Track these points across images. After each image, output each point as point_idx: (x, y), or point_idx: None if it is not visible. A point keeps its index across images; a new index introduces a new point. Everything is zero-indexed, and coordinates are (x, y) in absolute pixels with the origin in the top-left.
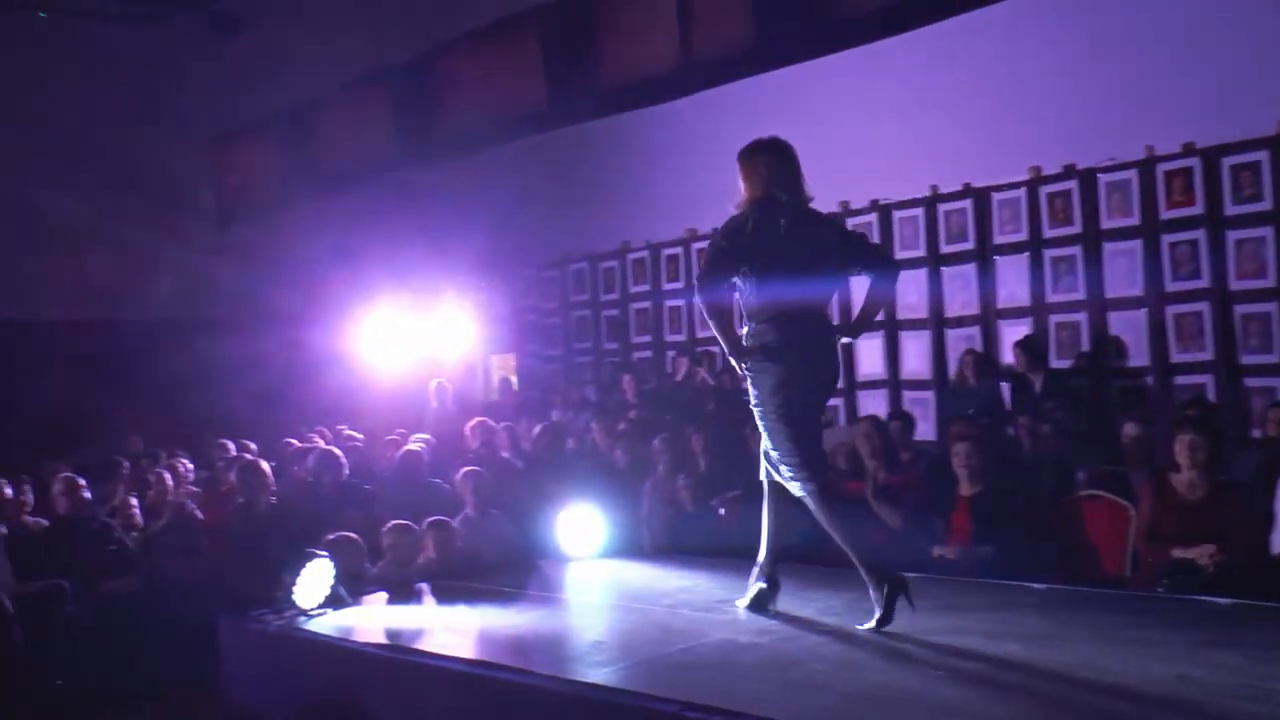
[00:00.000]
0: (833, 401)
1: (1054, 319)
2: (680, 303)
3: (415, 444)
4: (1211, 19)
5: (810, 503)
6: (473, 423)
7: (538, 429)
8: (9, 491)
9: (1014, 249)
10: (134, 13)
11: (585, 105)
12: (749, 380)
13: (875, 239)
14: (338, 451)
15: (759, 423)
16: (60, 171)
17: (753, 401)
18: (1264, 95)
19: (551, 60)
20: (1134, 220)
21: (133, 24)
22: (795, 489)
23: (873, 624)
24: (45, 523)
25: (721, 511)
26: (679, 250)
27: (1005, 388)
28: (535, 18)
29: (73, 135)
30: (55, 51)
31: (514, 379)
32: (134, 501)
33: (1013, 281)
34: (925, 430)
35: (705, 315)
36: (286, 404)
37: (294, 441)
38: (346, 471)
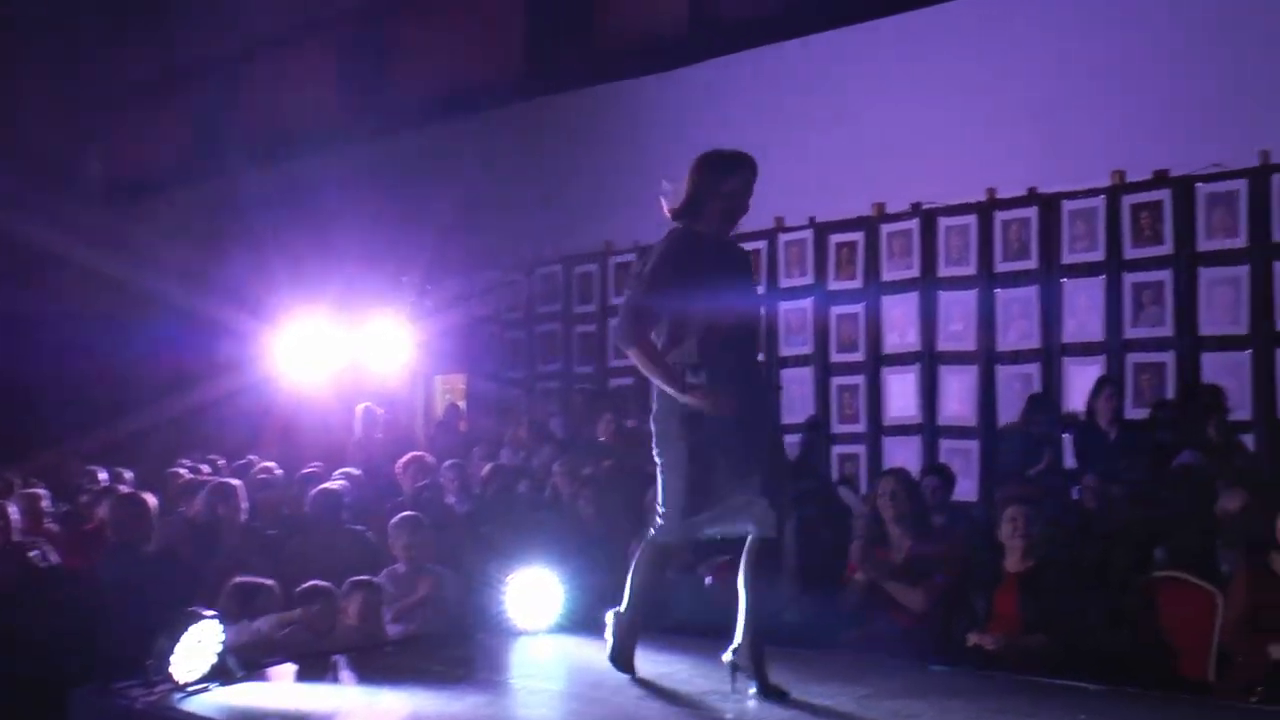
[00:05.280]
0: (854, 449)
1: (1133, 358)
2: None
3: (334, 482)
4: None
5: (645, 546)
6: (406, 459)
7: (486, 469)
8: None
9: (1087, 270)
10: None
11: (574, 71)
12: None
13: (916, 248)
14: (237, 485)
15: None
16: None
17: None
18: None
19: (537, 13)
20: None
21: None
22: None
23: None
24: None
25: (709, 580)
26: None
27: (1067, 439)
28: None
29: None
30: None
31: (464, 404)
32: None
33: (1084, 310)
34: (967, 489)
35: None
36: (178, 426)
37: (182, 472)
38: (246, 511)
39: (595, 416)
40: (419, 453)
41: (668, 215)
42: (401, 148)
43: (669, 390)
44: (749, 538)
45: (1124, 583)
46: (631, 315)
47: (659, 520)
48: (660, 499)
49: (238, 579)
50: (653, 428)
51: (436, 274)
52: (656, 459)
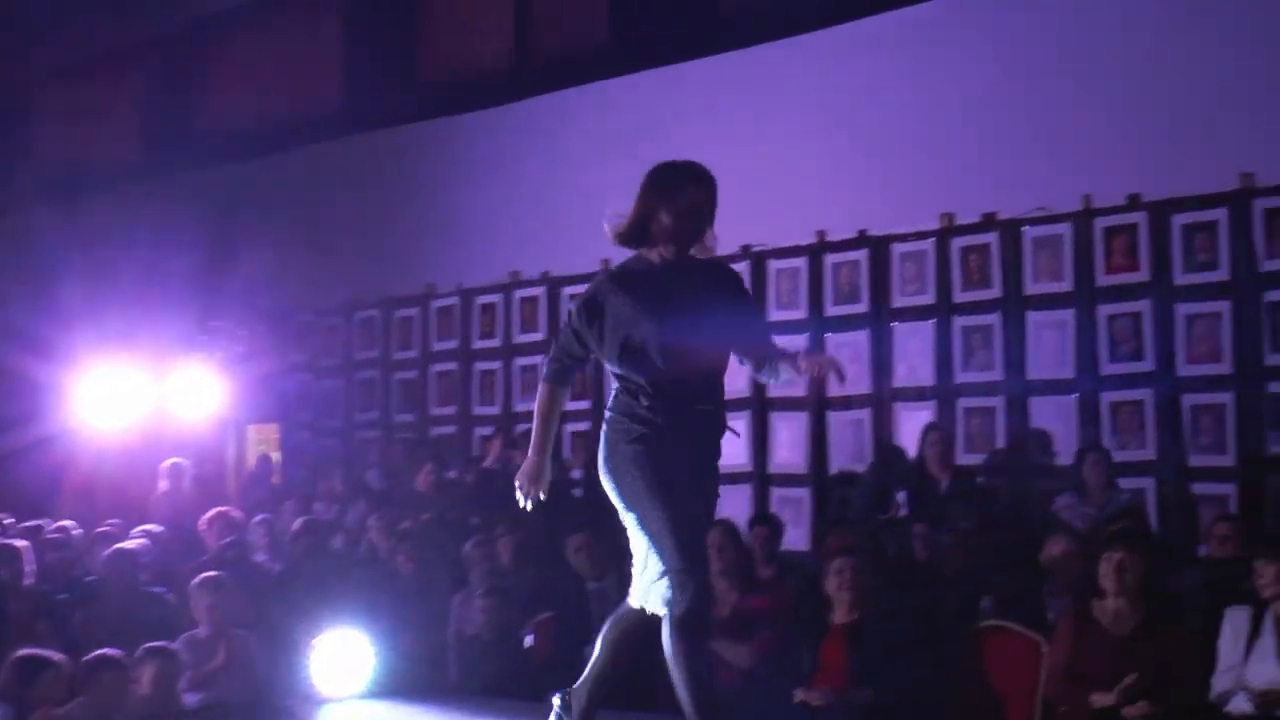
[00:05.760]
0: None
1: (963, 403)
2: (496, 365)
3: (132, 540)
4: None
5: (667, 623)
6: (210, 514)
7: (297, 524)
8: None
9: (917, 313)
10: None
11: (395, 107)
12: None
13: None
14: (21, 547)
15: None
16: None
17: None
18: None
19: (357, 45)
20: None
21: None
22: (653, 597)
23: None
24: None
25: (529, 640)
26: (498, 298)
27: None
28: None
29: None
30: None
31: (277, 456)
32: None
33: (915, 354)
34: (797, 538)
35: None
36: None
37: None
38: (34, 575)
39: (415, 467)
40: (225, 508)
41: (614, 243)
42: (212, 184)
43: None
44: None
45: (951, 633)
46: (552, 354)
47: (662, 583)
48: (647, 555)
49: (20, 652)
50: (603, 471)
51: (249, 318)
52: (618, 503)
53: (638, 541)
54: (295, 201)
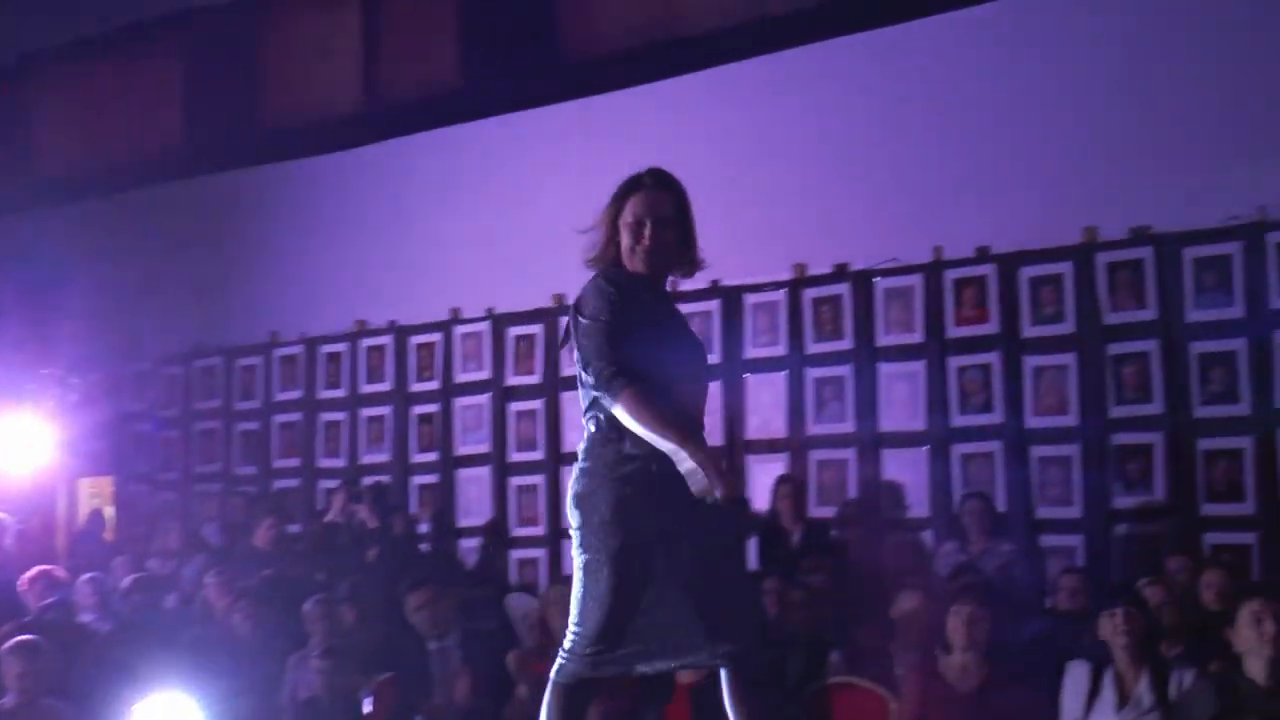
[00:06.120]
0: (533, 554)
1: (816, 455)
2: (341, 416)
3: None
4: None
5: (549, 690)
6: (31, 573)
7: (127, 581)
8: None
9: (770, 365)
10: None
11: (238, 149)
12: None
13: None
14: None
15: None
16: None
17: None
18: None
19: (198, 84)
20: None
21: None
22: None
23: None
24: None
25: (368, 706)
26: (344, 347)
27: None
28: (177, 31)
29: None
30: None
31: (110, 510)
32: None
33: (767, 406)
34: None
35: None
36: None
37: None
38: None
39: (255, 522)
40: (48, 566)
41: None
42: (48, 226)
43: (680, 451)
44: (722, 673)
45: (800, 691)
46: (597, 364)
47: (567, 644)
48: (574, 614)
49: None
50: (574, 515)
51: (82, 366)
52: (577, 555)
53: (574, 597)
54: (132, 245)
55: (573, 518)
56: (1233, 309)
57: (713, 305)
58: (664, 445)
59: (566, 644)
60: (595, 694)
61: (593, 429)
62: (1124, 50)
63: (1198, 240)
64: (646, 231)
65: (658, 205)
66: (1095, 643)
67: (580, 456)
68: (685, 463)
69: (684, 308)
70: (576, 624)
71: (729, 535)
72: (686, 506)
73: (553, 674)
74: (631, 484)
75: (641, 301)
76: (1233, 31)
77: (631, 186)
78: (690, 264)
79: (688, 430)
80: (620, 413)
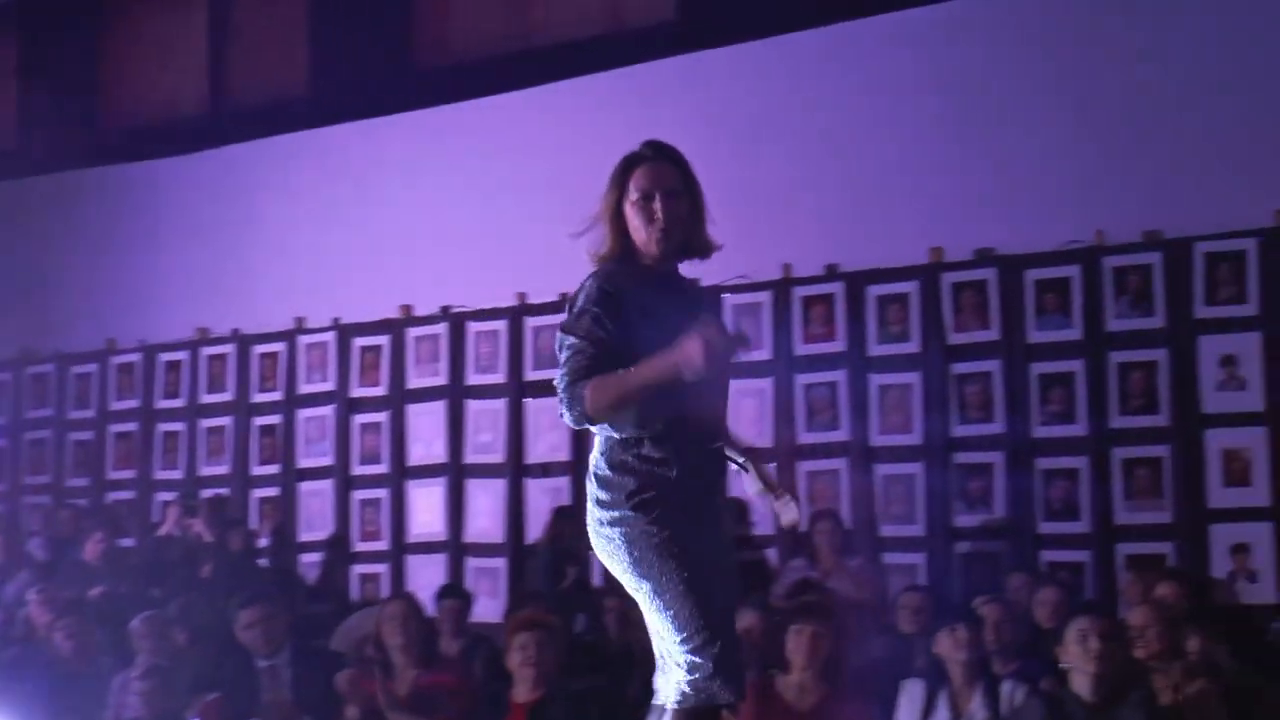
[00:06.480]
0: (376, 568)
1: None
2: (180, 426)
3: None
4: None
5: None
6: None
7: None
8: None
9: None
10: None
11: (78, 149)
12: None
13: (444, 353)
14: None
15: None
16: None
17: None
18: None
19: (35, 81)
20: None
21: None
22: (672, 687)
23: None
24: None
25: None
26: (184, 355)
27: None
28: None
29: None
30: None
31: None
32: None
33: None
34: (494, 609)
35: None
36: None
37: None
38: None
39: (84, 536)
40: None
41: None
42: None
43: (658, 375)
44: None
45: (636, 712)
46: (567, 366)
47: (683, 663)
48: (671, 626)
49: None
50: (603, 523)
51: None
52: (627, 575)
53: (656, 617)
54: None
55: (608, 555)
56: (1071, 330)
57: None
58: (646, 386)
59: (682, 663)
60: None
61: (604, 448)
62: (964, 79)
63: (1039, 263)
64: (657, 205)
65: (664, 177)
66: (933, 661)
67: (595, 473)
68: (670, 373)
69: (532, 320)
70: (678, 635)
71: (734, 555)
72: (708, 511)
73: (673, 703)
74: (659, 494)
75: (642, 298)
76: (1071, 63)
77: (630, 163)
78: (704, 244)
79: (648, 362)
80: (594, 412)
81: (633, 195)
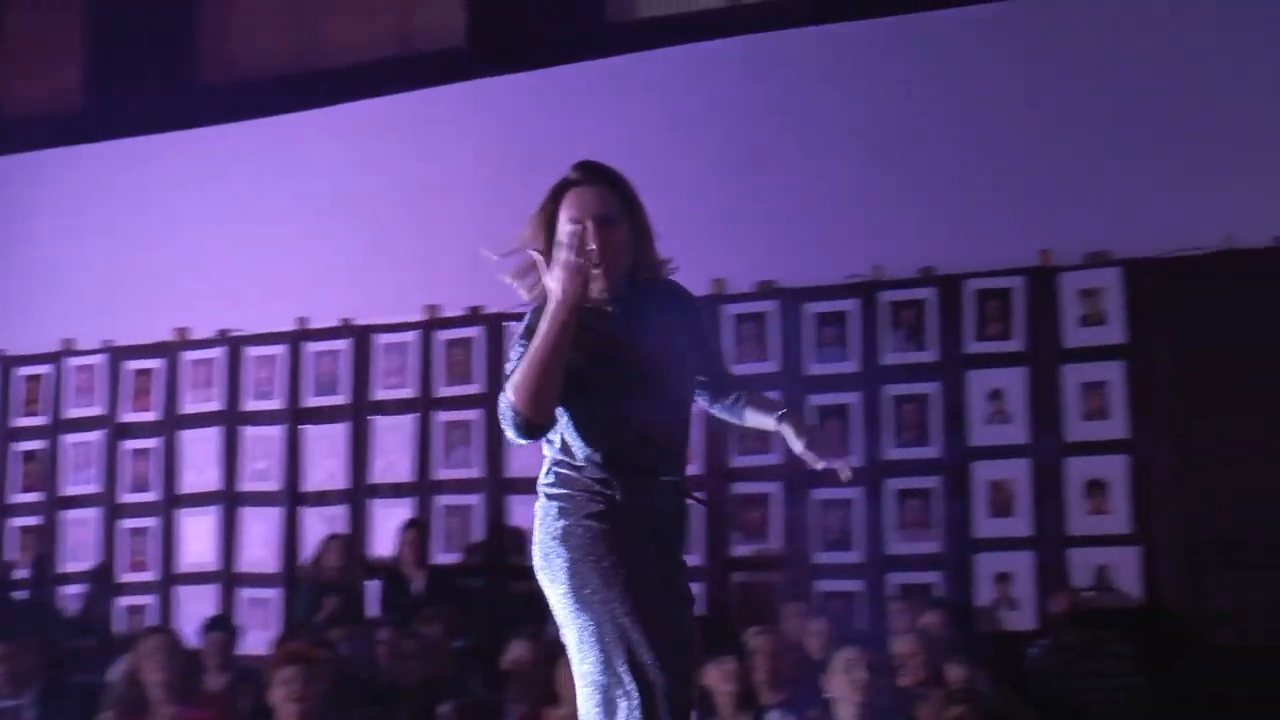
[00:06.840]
0: (143, 600)
1: (442, 500)
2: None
3: None
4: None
5: None
6: None
7: None
8: None
9: (399, 408)
10: None
11: None
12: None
13: (220, 378)
14: None
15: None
16: None
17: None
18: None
19: None
20: None
21: None
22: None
23: None
24: None
25: None
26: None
27: (375, 586)
28: None
29: None
30: None
31: None
32: None
33: (394, 449)
34: (266, 641)
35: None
36: None
37: None
38: None
39: None
40: None
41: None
42: None
43: (551, 333)
44: None
45: None
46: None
47: (622, 706)
48: (600, 672)
49: None
50: (543, 563)
51: None
52: (564, 604)
53: (586, 655)
54: None
55: (547, 580)
56: (848, 363)
57: (344, 344)
58: (547, 347)
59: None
60: None
61: (551, 467)
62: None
63: (819, 296)
64: (588, 234)
65: (597, 202)
66: (702, 692)
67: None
68: (556, 321)
69: (312, 346)
70: (625, 687)
71: (688, 589)
72: (657, 549)
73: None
74: (601, 519)
75: (593, 325)
76: (858, 99)
77: (559, 190)
78: (653, 265)
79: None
80: (522, 404)
81: (564, 225)
